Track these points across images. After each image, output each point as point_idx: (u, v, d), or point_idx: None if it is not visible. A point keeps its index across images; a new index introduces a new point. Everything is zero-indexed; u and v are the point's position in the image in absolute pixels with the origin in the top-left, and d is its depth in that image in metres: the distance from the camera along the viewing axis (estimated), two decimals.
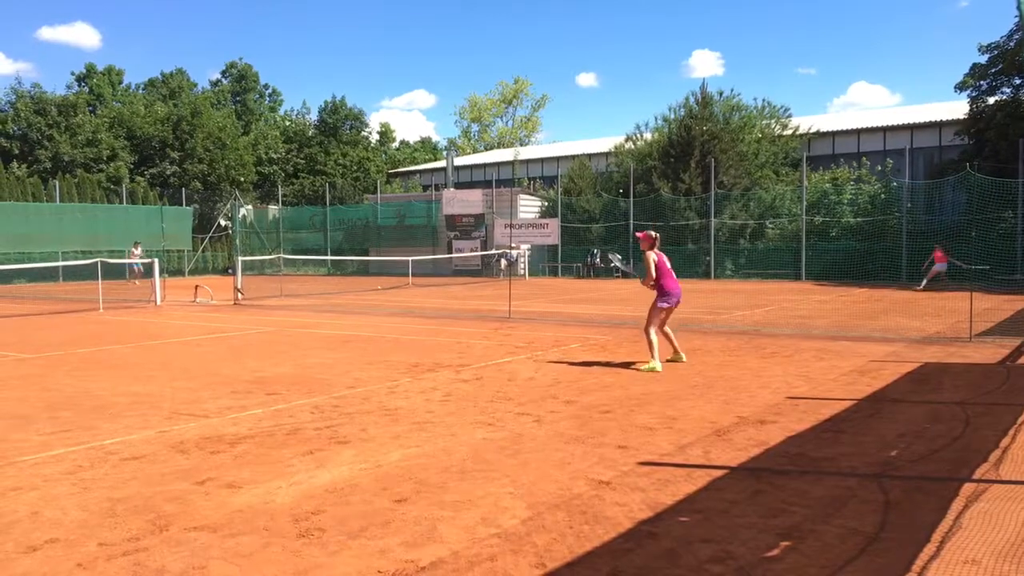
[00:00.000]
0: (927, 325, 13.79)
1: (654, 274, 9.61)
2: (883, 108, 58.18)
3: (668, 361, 9.79)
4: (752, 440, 6.13)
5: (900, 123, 36.37)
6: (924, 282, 22.94)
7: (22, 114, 45.07)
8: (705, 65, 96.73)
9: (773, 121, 35.73)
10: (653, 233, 9.84)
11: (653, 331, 9.66)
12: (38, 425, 6.87)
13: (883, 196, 29.12)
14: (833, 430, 6.45)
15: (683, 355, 9.96)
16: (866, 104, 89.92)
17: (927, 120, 35.70)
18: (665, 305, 9.72)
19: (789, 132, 35.36)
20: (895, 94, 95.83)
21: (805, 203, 29.43)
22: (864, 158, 32.30)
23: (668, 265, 9.81)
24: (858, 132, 37.22)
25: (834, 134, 37.60)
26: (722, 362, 10.07)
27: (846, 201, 29.81)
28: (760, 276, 29.79)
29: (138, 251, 31.93)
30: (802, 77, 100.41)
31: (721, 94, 34.46)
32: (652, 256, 9.63)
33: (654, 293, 9.83)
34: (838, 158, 34.94)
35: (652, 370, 9.28)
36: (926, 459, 5.57)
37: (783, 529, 4.24)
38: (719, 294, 22.20)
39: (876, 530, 4.21)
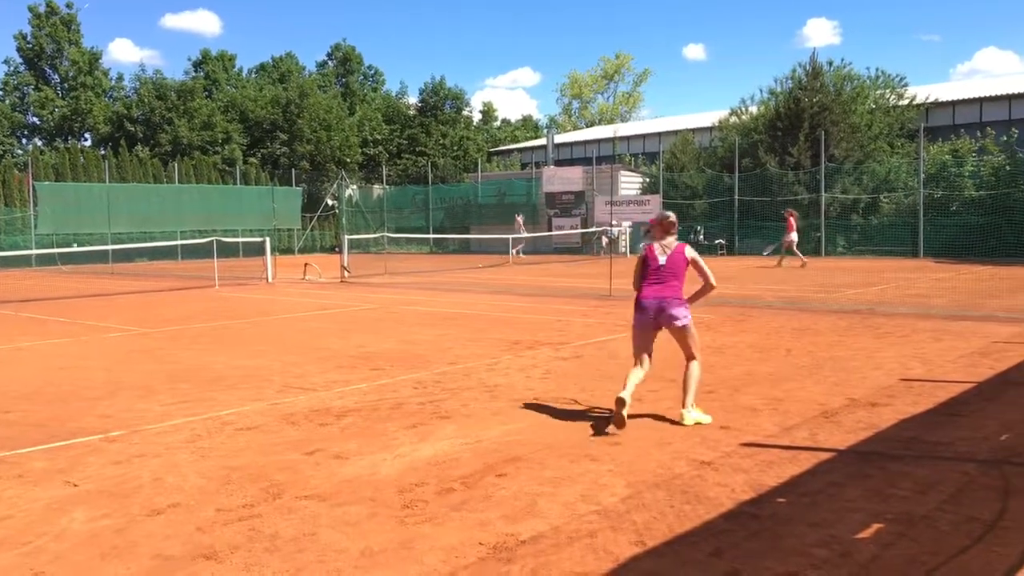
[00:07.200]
0: None
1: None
2: (1007, 75, 54.60)
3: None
4: (862, 423, 5.93)
5: None
6: None
7: (145, 99, 47.47)
8: (821, 34, 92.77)
9: (888, 91, 34.14)
10: (671, 216, 6.33)
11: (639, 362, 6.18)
12: (160, 396, 7.27)
13: (1008, 168, 27.39)
14: (950, 413, 6.17)
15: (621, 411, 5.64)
16: (992, 72, 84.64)
17: None
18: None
19: (905, 102, 33.73)
20: None
21: (923, 176, 28.04)
22: (988, 128, 30.48)
23: (660, 260, 6.13)
24: (980, 101, 35.03)
25: (954, 103, 35.56)
26: (832, 342, 9.74)
27: (967, 174, 28.19)
28: (874, 253, 28.57)
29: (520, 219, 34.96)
30: (924, 44, 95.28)
31: (831, 64, 33.14)
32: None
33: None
34: (958, 128, 33.04)
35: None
36: None
37: (893, 515, 4.09)
38: (830, 272, 21.44)
39: (995, 518, 4.01)
